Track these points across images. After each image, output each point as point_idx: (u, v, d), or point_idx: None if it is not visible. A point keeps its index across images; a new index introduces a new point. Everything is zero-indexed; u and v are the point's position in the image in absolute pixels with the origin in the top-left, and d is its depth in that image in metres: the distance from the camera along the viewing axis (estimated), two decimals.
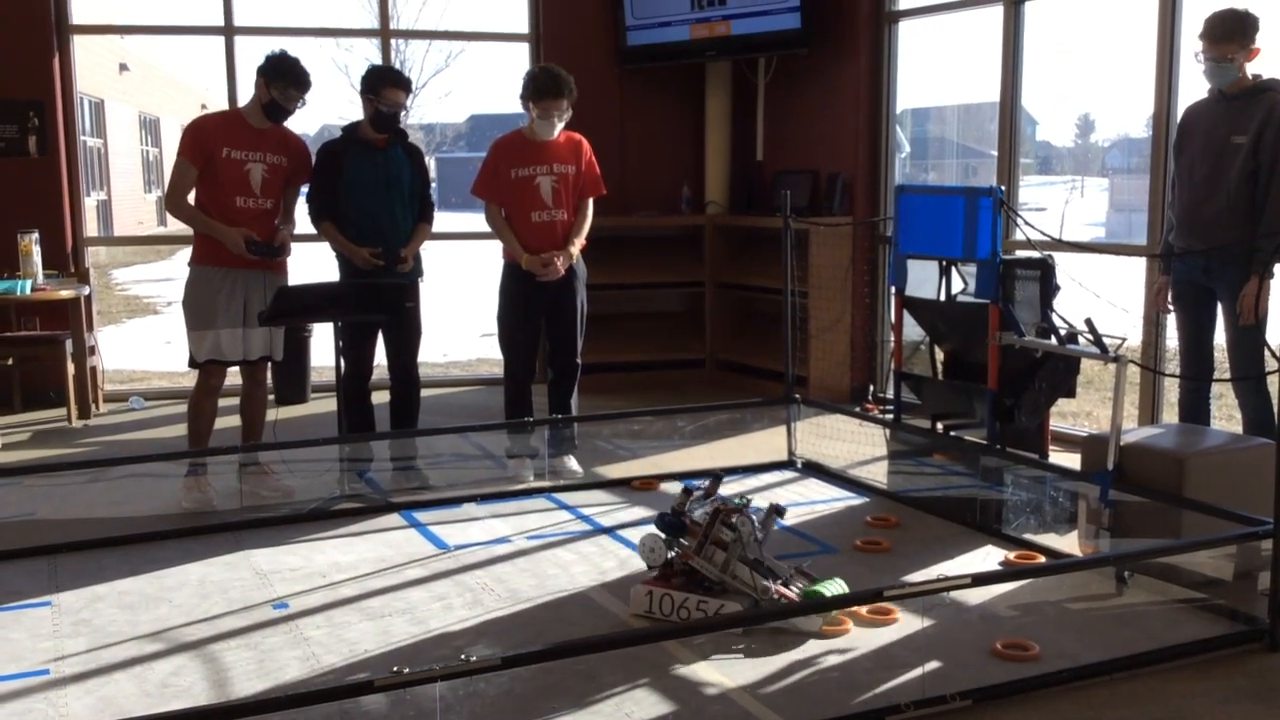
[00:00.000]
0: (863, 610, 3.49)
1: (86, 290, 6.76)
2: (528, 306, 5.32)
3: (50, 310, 6.68)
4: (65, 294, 6.42)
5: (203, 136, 4.90)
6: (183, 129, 5.11)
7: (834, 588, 3.58)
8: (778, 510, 3.71)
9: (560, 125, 5.19)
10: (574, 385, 5.42)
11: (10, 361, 6.60)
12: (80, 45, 7.22)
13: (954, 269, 4.69)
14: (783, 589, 3.52)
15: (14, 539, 4.37)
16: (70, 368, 6.47)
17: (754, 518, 3.57)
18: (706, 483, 3.90)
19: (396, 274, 5.13)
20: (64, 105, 6.98)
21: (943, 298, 4.74)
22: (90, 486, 5.09)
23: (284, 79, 4.86)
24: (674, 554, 3.65)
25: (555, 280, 5.25)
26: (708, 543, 3.55)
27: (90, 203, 16.69)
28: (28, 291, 6.25)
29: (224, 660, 3.33)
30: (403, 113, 5.22)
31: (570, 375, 5.40)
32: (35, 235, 6.48)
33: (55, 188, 6.96)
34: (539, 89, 5.12)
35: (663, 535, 3.67)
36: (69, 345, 6.46)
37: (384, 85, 5.10)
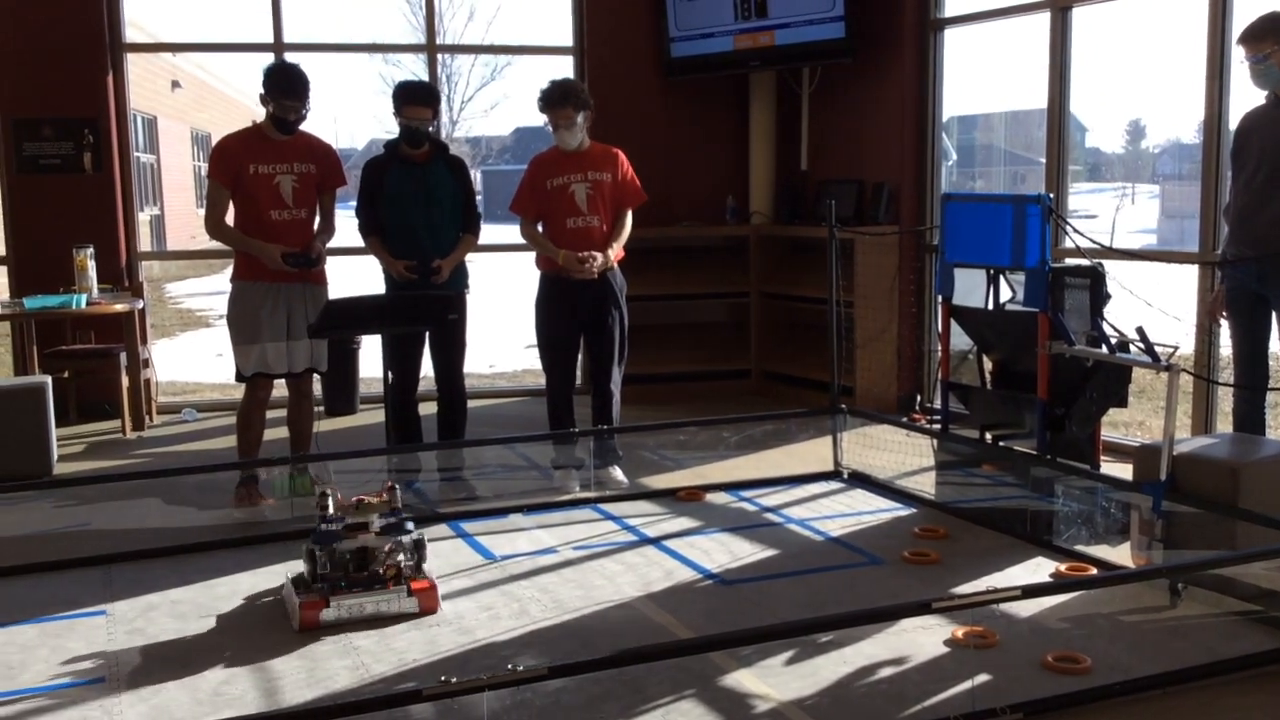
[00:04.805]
0: (959, 633, 3.43)
1: (140, 304, 6.87)
2: (566, 319, 5.36)
3: (105, 324, 6.79)
4: (120, 308, 6.52)
5: (228, 157, 4.97)
6: (210, 152, 5.20)
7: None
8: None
9: (579, 134, 5.26)
10: (609, 407, 5.40)
11: (66, 374, 6.71)
12: (133, 63, 7.35)
13: (1002, 277, 4.65)
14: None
15: (70, 549, 4.45)
16: (124, 380, 6.58)
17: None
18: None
19: (439, 286, 5.18)
20: (118, 122, 7.10)
21: (991, 306, 4.70)
22: (144, 497, 5.16)
23: (275, 90, 4.90)
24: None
25: (594, 291, 5.28)
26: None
27: (144, 218, 16.98)
28: (83, 305, 6.36)
29: (274, 669, 3.36)
30: (430, 127, 5.27)
31: (605, 398, 5.41)
32: (90, 250, 6.59)
33: (109, 203, 7.09)
34: (544, 99, 5.25)
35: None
36: (123, 358, 6.56)
37: (403, 102, 5.18)
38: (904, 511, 4.87)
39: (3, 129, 6.94)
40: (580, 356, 5.76)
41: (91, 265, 6.56)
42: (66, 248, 6.58)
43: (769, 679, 3.21)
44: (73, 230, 6.79)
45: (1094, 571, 4.02)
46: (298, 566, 3.94)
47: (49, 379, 5.87)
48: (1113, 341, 4.23)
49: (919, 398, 6.90)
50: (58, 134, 6.93)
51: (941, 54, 6.84)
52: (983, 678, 3.14)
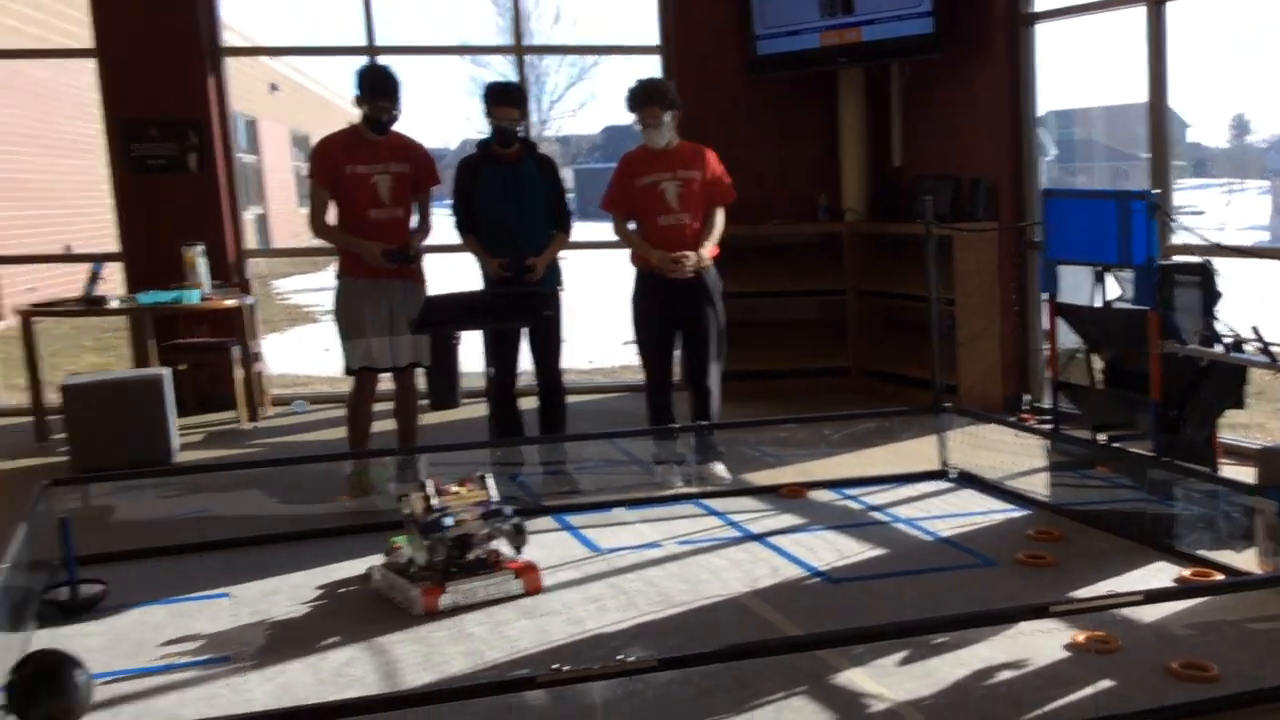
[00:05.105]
0: (1080, 638, 3.37)
1: (250, 299, 7.05)
2: (661, 315, 5.38)
3: (217, 319, 6.97)
4: (230, 303, 6.69)
5: (327, 158, 5.09)
6: (310, 153, 5.34)
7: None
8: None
9: (667, 133, 5.29)
10: (708, 405, 5.40)
11: (183, 367, 6.92)
12: (233, 67, 7.50)
13: (1108, 275, 4.56)
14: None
15: (193, 534, 4.60)
16: (238, 373, 6.75)
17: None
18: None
19: (534, 283, 5.24)
20: (220, 123, 7.28)
21: (1098, 304, 4.61)
22: (261, 485, 5.32)
23: (368, 92, 5.00)
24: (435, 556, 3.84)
25: (688, 290, 5.29)
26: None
27: (249, 216, 17.44)
28: (195, 301, 6.54)
29: (393, 653, 3.44)
30: (518, 126, 5.34)
31: (703, 397, 5.40)
32: (200, 247, 6.73)
33: (215, 202, 7.27)
34: (630, 99, 5.30)
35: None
36: (236, 352, 6.75)
37: (492, 103, 5.26)
38: (1016, 513, 4.78)
39: (112, 130, 7.18)
40: (677, 353, 5.78)
41: (202, 262, 6.71)
42: (176, 245, 6.73)
43: (882, 679, 3.18)
44: (181, 228, 6.95)
45: (1219, 577, 3.90)
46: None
47: (168, 371, 6.06)
48: (1227, 341, 4.11)
49: (1026, 397, 6.78)
50: (163, 135, 7.12)
51: (1033, 48, 6.70)
52: (1105, 683, 3.08)
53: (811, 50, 7.33)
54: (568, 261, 5.62)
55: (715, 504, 4.99)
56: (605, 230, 5.74)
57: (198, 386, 7.09)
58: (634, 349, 5.70)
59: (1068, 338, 4.81)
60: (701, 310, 5.34)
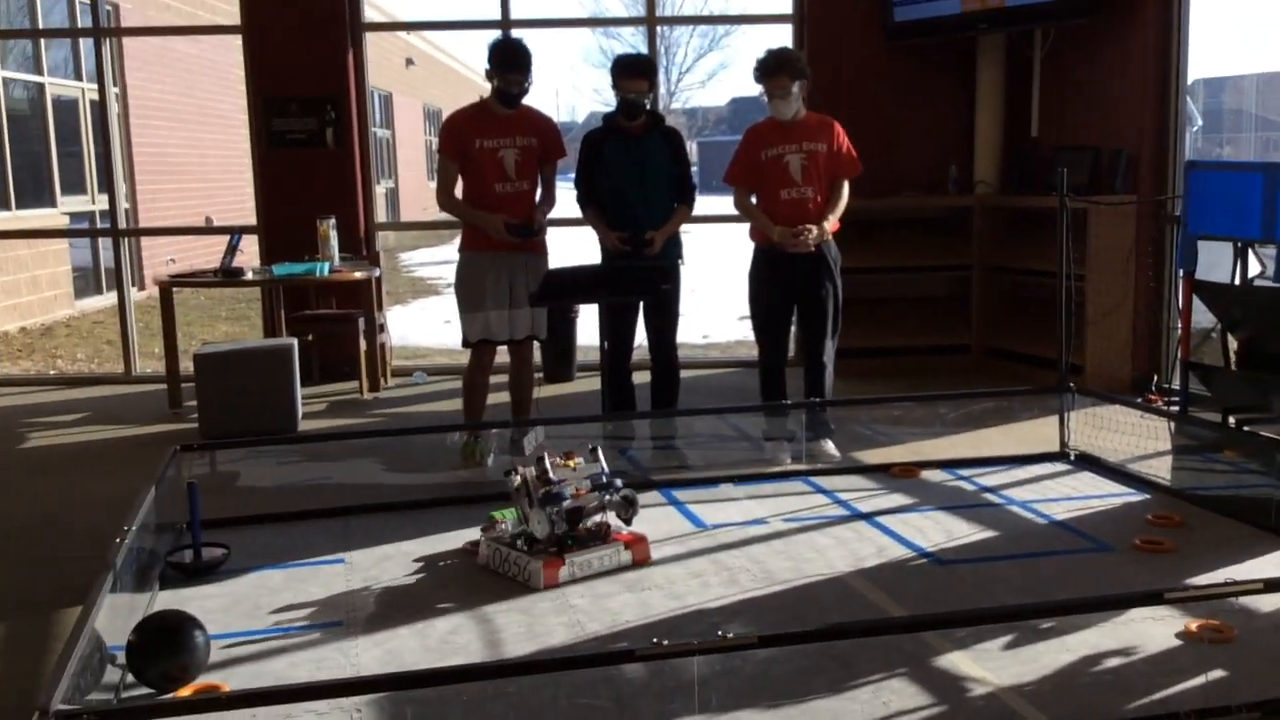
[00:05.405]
0: (1193, 626, 3.25)
1: (377, 272, 7.24)
2: (778, 291, 5.34)
3: (345, 290, 7.19)
4: (359, 275, 6.87)
5: (456, 132, 5.17)
6: (440, 128, 5.42)
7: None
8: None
9: (795, 103, 5.23)
10: (821, 380, 5.36)
11: (310, 337, 7.16)
12: (370, 42, 7.68)
13: (1251, 251, 4.36)
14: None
15: (313, 500, 4.77)
16: (362, 344, 6.95)
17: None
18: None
19: (653, 257, 5.25)
20: (357, 99, 7.47)
21: (1238, 282, 4.41)
22: (379, 454, 5.48)
23: (500, 65, 5.04)
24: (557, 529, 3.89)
25: (806, 264, 5.23)
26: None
27: (380, 190, 17.93)
28: (326, 273, 6.74)
29: (497, 622, 3.51)
30: (646, 99, 5.33)
31: (817, 371, 5.36)
32: (332, 220, 6.95)
33: (349, 177, 7.48)
34: (759, 69, 5.24)
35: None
36: (361, 323, 6.94)
37: (621, 75, 5.26)
38: (1136, 497, 4.62)
39: (255, 106, 7.43)
40: (793, 328, 5.74)
41: (333, 235, 6.91)
42: (311, 218, 6.95)
43: (986, 663, 3.12)
44: (316, 202, 7.19)
45: None
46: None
47: (295, 341, 6.27)
48: None
49: (1155, 378, 6.53)
50: (303, 111, 7.34)
51: (1187, 12, 6.38)
52: (1217, 673, 2.96)
53: (952, 16, 7.16)
54: (689, 235, 5.61)
55: (824, 482, 4.95)
56: (726, 204, 5.71)
57: (323, 356, 7.32)
58: (749, 324, 5.68)
59: (1202, 317, 4.63)
60: (820, 285, 5.29)
